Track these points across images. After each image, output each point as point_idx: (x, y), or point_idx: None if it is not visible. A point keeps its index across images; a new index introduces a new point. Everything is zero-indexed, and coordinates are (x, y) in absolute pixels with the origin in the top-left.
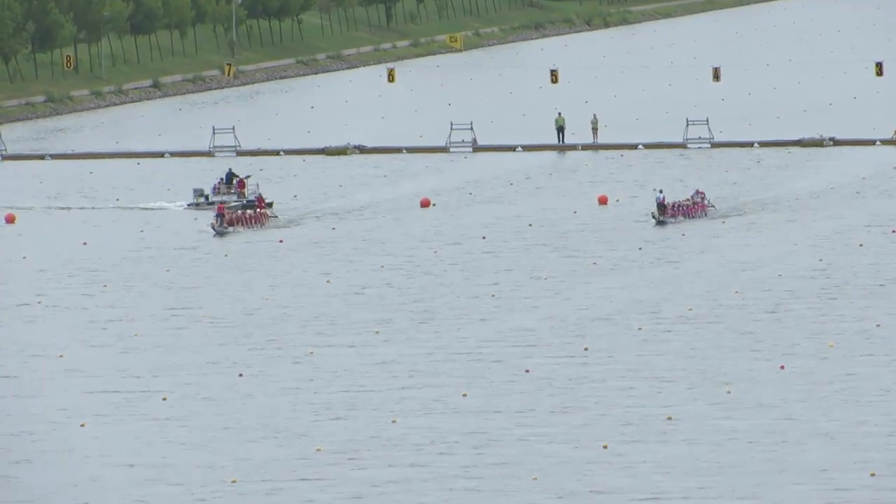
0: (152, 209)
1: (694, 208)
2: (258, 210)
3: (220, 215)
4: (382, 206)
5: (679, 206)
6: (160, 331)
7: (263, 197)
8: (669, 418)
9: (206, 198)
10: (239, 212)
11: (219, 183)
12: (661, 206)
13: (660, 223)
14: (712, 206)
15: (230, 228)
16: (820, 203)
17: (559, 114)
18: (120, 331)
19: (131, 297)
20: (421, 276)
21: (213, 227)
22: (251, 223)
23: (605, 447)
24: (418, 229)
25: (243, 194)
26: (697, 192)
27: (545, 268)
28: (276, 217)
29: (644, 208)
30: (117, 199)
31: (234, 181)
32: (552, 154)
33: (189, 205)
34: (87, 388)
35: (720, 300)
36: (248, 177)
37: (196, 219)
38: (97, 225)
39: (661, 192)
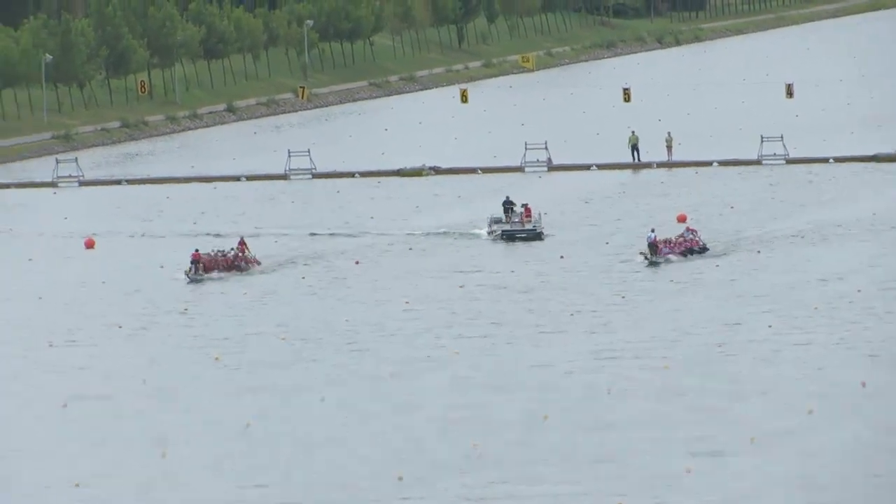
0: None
1: (685, 245)
2: (240, 254)
3: (195, 262)
4: (458, 226)
5: (670, 244)
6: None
7: (246, 241)
8: (753, 440)
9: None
10: (219, 257)
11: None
12: (653, 246)
13: (652, 264)
14: (704, 245)
15: (206, 276)
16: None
17: (632, 132)
18: (201, 354)
19: (209, 321)
20: (490, 300)
21: (186, 275)
22: (231, 269)
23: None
24: (490, 250)
25: (528, 221)
26: (688, 230)
27: (625, 284)
28: (260, 263)
29: (719, 226)
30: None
31: (516, 208)
32: (627, 172)
33: (488, 233)
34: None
35: (798, 314)
36: (524, 204)
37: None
38: (176, 250)
39: (653, 231)
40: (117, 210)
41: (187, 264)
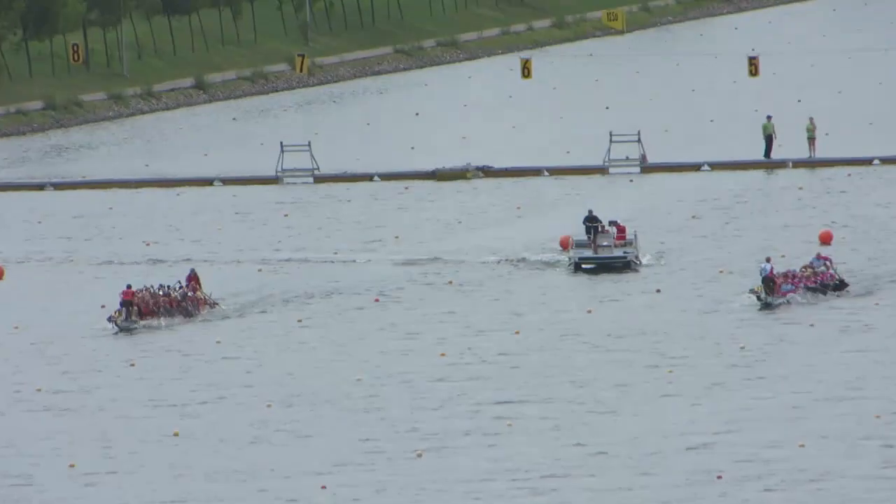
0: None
1: (813, 279)
2: (191, 294)
3: (126, 304)
4: (515, 249)
5: (794, 278)
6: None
7: (197, 275)
8: None
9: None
10: (161, 296)
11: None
12: (769, 281)
13: (766, 305)
14: (842, 279)
15: (141, 323)
16: None
17: (768, 118)
18: (152, 427)
19: (162, 382)
20: (559, 351)
21: (113, 322)
22: (178, 313)
23: None
24: (561, 284)
25: (621, 244)
26: (819, 258)
27: (743, 330)
28: (218, 304)
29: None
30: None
31: (607, 227)
32: (752, 174)
33: (570, 263)
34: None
35: None
36: (612, 222)
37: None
38: (119, 281)
39: (768, 261)
40: (38, 225)
41: (116, 305)
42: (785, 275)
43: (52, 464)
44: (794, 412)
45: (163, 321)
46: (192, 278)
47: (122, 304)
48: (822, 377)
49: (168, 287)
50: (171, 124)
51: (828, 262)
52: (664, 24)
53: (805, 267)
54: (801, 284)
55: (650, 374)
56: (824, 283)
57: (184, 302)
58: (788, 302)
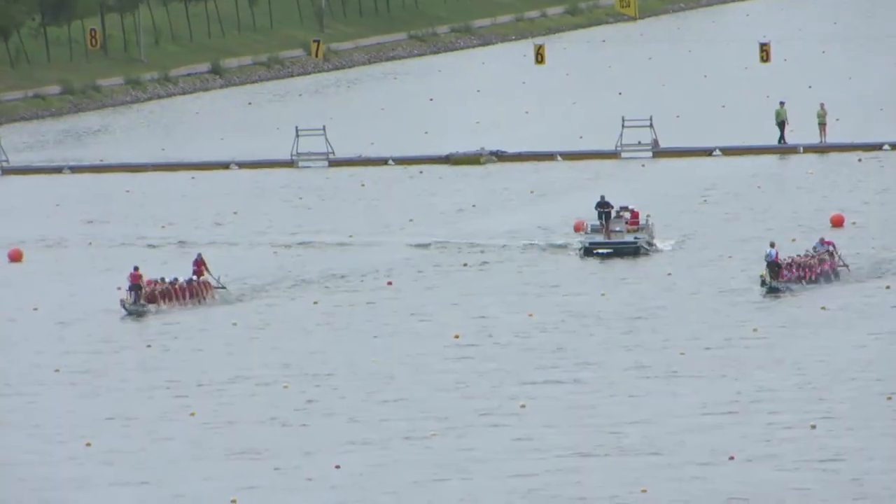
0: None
1: (817, 266)
2: (196, 280)
3: (135, 287)
4: (528, 233)
5: (798, 264)
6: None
7: (204, 259)
8: None
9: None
10: (167, 284)
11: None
12: (774, 266)
13: (772, 290)
14: (844, 264)
15: (149, 307)
16: None
17: (781, 104)
18: (171, 408)
19: (178, 363)
20: (571, 333)
21: (123, 305)
22: (184, 298)
23: None
24: (574, 268)
25: (634, 230)
26: (823, 243)
27: (757, 312)
28: (224, 288)
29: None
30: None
31: (621, 213)
32: (764, 159)
33: (580, 248)
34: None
35: None
36: (626, 207)
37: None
38: (135, 264)
39: (772, 246)
40: (56, 208)
41: (125, 289)
42: (789, 264)
43: (69, 443)
44: (805, 393)
45: (174, 305)
46: (199, 262)
47: (131, 287)
48: (833, 359)
49: (176, 280)
50: (187, 109)
51: (831, 248)
52: (676, 11)
53: (810, 256)
54: (804, 271)
55: (662, 356)
56: (826, 270)
57: (190, 290)
58: (791, 288)
